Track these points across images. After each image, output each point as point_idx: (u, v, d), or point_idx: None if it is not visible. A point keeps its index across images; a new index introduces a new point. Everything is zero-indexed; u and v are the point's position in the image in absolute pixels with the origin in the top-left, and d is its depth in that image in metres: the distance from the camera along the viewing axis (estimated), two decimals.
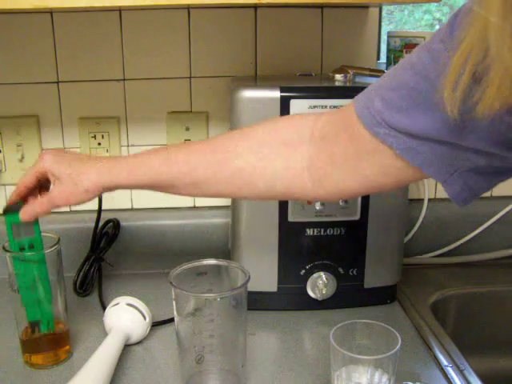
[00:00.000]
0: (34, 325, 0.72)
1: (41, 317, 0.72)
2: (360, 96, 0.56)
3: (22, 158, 1.00)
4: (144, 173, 0.64)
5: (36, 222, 0.71)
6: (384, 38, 1.10)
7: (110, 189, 0.66)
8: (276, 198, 0.64)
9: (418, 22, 1.32)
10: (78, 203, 0.66)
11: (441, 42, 0.47)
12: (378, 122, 0.52)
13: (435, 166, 0.51)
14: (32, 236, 0.71)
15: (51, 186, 0.69)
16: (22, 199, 0.70)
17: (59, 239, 0.73)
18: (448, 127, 0.47)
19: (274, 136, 0.61)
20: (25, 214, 0.69)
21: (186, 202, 1.06)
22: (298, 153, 0.59)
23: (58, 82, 0.99)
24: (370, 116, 0.52)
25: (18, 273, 0.70)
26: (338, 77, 0.85)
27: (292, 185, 0.60)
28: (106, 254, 0.97)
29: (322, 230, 0.83)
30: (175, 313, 0.66)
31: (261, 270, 0.84)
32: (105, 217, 0.98)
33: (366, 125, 0.53)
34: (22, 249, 0.71)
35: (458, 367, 0.74)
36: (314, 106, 0.78)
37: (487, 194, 1.11)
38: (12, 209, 0.70)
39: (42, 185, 0.71)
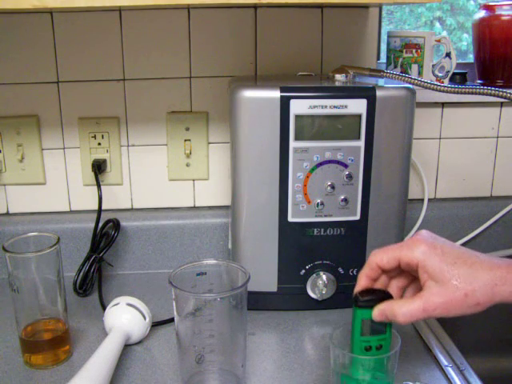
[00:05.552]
0: None
1: None
2: None
3: (22, 158, 1.00)
4: None
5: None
6: (384, 37, 1.10)
7: (507, 301, 0.56)
8: None
9: (418, 19, 1.32)
10: (460, 315, 0.55)
11: None
12: None
13: None
14: (383, 334, 0.59)
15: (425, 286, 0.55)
16: (372, 282, 0.60)
17: (59, 239, 0.73)
18: None
19: None
20: (380, 315, 0.57)
21: (186, 202, 1.06)
22: None
23: (58, 82, 0.99)
24: None
25: None
26: (338, 77, 0.85)
27: None
28: (106, 254, 0.97)
29: (322, 230, 0.83)
30: (175, 313, 0.66)
31: (261, 270, 0.84)
32: (105, 217, 0.99)
33: None
34: (367, 349, 0.59)
35: (458, 367, 0.73)
36: (314, 106, 0.78)
37: (487, 194, 1.11)
38: (362, 302, 0.59)
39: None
